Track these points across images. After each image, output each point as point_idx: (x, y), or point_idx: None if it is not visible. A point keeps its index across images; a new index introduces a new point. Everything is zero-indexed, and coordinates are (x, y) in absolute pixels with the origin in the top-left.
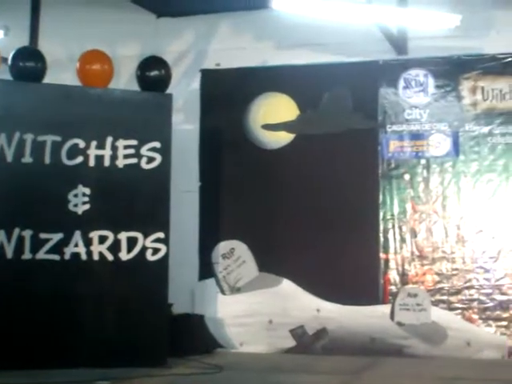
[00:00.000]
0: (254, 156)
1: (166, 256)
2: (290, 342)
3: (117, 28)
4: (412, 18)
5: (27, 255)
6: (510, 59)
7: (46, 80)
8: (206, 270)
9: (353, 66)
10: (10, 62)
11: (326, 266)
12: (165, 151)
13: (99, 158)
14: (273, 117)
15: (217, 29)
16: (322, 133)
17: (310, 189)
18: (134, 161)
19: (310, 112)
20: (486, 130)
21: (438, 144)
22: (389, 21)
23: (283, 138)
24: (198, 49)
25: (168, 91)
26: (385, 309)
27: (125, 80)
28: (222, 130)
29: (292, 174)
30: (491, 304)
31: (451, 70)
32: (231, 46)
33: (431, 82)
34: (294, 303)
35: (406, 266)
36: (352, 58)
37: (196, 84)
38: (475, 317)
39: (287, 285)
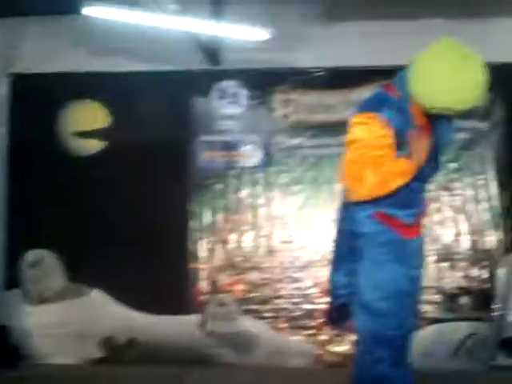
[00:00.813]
0: (66, 163)
1: None
2: (100, 353)
3: None
4: (225, 30)
5: None
6: (320, 73)
7: None
8: (13, 280)
9: (166, 74)
10: None
11: (138, 275)
12: None
13: None
14: (84, 124)
15: (27, 32)
16: (134, 141)
17: (123, 198)
18: None
19: (123, 120)
20: (296, 142)
21: (250, 155)
22: (202, 31)
23: (95, 146)
24: (6, 52)
25: None
26: (196, 318)
27: None
28: (33, 135)
29: (104, 182)
30: (300, 313)
31: (264, 82)
32: (43, 50)
33: (244, 93)
34: (104, 313)
35: (217, 276)
36: (166, 67)
37: (4, 89)
38: (284, 326)
39: (97, 295)
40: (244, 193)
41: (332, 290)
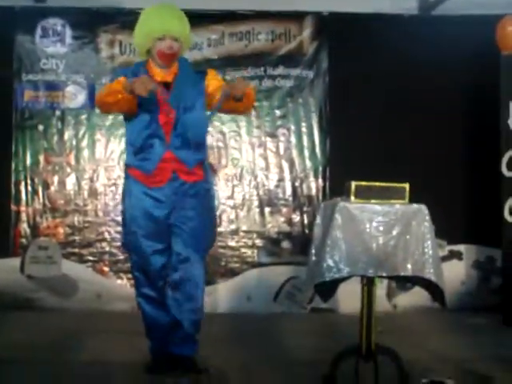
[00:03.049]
0: None
1: None
2: None
3: None
4: None
5: None
6: None
7: None
8: None
9: None
10: None
11: None
12: None
13: None
14: None
15: None
16: None
17: None
18: None
19: None
20: None
21: (74, 96)
22: None
23: None
24: None
25: None
26: (15, 262)
27: None
28: None
29: None
30: (122, 257)
31: (90, 22)
32: None
33: (69, 32)
34: None
35: (38, 219)
36: None
37: None
38: (106, 269)
39: None
40: (67, 134)
41: None
